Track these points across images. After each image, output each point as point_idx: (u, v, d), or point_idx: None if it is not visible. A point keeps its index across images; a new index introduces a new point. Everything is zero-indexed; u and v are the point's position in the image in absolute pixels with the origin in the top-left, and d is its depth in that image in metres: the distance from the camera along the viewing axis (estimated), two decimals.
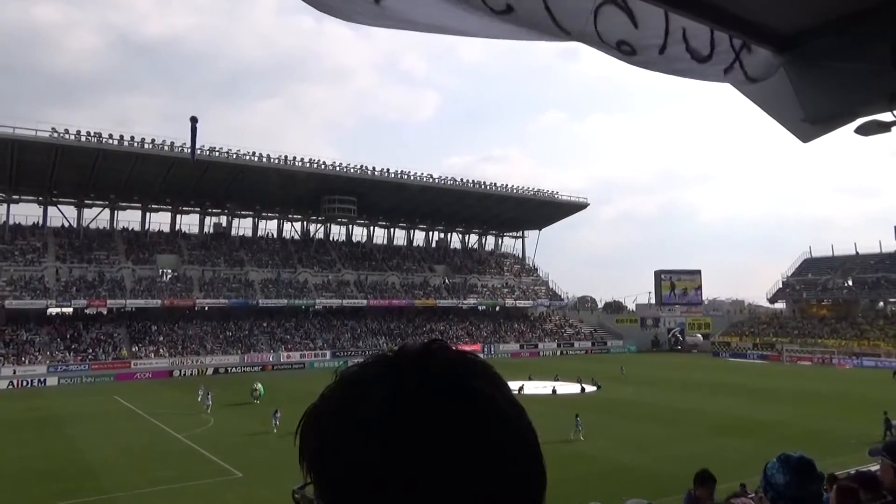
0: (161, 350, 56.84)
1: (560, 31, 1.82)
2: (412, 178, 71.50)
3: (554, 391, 42.28)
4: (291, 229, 78.07)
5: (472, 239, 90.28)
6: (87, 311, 58.06)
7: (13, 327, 54.01)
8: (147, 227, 69.02)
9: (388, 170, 70.19)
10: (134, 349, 56.30)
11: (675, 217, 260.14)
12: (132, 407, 37.49)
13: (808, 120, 3.00)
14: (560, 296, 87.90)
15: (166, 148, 58.79)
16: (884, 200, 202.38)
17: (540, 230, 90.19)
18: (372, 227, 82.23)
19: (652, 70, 2.22)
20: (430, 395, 0.65)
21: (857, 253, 78.97)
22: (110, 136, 56.58)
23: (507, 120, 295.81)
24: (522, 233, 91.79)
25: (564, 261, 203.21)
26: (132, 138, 57.67)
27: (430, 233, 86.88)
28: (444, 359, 0.70)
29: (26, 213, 64.49)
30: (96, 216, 66.57)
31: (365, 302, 70.15)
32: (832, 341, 67.55)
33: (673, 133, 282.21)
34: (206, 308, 62.80)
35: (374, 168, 69.46)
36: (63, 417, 33.97)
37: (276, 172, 64.60)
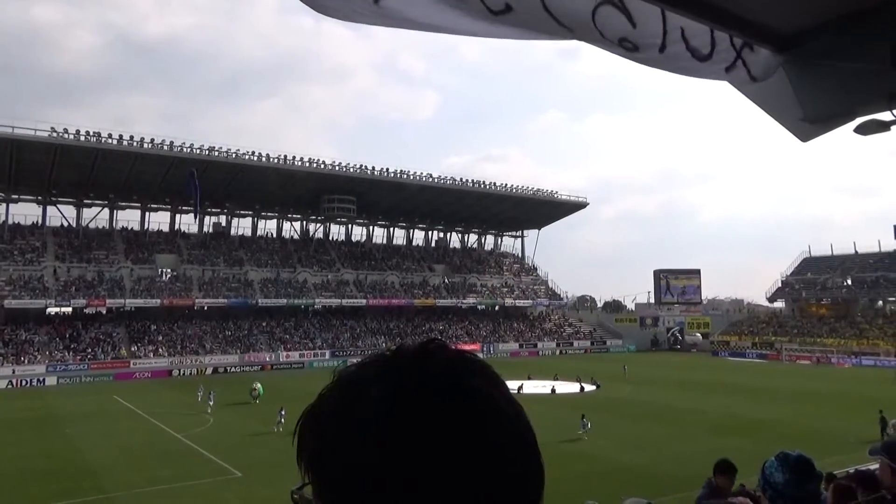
0: (160, 350, 56.83)
1: (563, 28, 1.82)
2: (411, 177, 71.50)
3: (553, 390, 42.28)
4: (291, 229, 78.18)
5: (472, 238, 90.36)
6: (87, 310, 58.03)
7: (12, 327, 53.97)
8: (146, 226, 69.03)
9: (387, 169, 70.26)
10: (133, 349, 56.28)
11: (675, 217, 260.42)
12: (131, 406, 37.47)
13: (808, 119, 3.00)
14: (559, 295, 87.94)
15: (165, 148, 58.80)
16: (883, 200, 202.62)
17: (539, 230, 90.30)
18: (371, 227, 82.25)
19: (654, 67, 2.22)
20: (428, 394, 0.65)
21: (856, 252, 79.05)
22: (109, 135, 56.61)
23: (506, 119, 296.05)
24: (522, 232, 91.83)
25: (564, 260, 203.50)
26: (131, 138, 57.74)
27: (430, 232, 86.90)
28: (443, 358, 0.70)
29: (25, 212, 64.63)
30: (95, 216, 66.65)
31: (364, 301, 70.16)
32: (831, 340, 67.60)
33: (673, 133, 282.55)
34: (206, 308, 62.78)
35: (373, 168, 69.54)
36: (62, 417, 33.95)
37: (276, 172, 64.60)
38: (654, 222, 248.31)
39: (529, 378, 45.78)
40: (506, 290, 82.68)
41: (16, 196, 62.37)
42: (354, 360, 0.72)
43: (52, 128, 54.16)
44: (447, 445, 0.62)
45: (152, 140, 58.43)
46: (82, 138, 55.28)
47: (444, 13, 1.63)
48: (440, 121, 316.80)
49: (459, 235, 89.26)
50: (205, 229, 71.98)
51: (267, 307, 65.01)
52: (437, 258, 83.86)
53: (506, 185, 78.43)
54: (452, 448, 0.62)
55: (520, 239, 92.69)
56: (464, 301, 77.06)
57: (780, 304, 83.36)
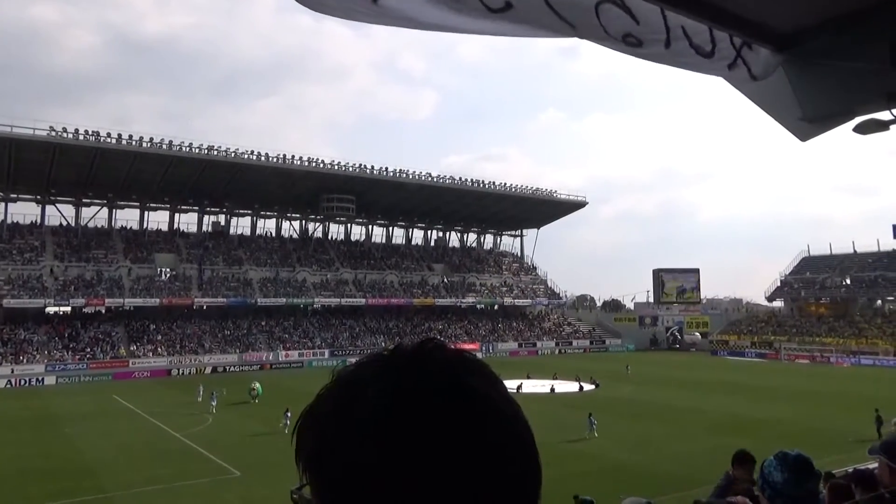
0: (159, 349, 56.80)
1: (565, 25, 1.82)
2: (411, 176, 71.47)
3: (552, 390, 42.31)
4: (290, 228, 78.15)
5: (471, 238, 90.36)
6: (86, 310, 57.99)
7: (11, 326, 53.92)
8: (145, 225, 68.98)
9: (386, 168, 70.21)
10: (132, 348, 56.25)
11: (674, 216, 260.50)
12: (130, 406, 37.45)
13: (807, 119, 3.00)
14: (559, 294, 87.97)
15: (164, 147, 58.73)
16: (882, 199, 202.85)
17: (538, 229, 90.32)
18: (370, 226, 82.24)
19: (658, 62, 2.23)
20: (427, 394, 0.65)
21: (855, 252, 79.13)
22: (108, 134, 56.52)
23: (505, 119, 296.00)
24: (521, 231, 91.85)
25: (563, 260, 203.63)
26: (130, 137, 57.64)
27: (429, 231, 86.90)
28: (441, 358, 0.70)
29: (24, 211, 64.61)
30: (94, 215, 66.64)
31: (363, 301, 70.15)
32: (830, 340, 67.66)
33: (672, 132, 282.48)
34: (205, 307, 62.78)
35: (372, 167, 69.48)
36: (61, 416, 33.92)
37: (275, 171, 64.57)
38: (653, 222, 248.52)
39: (528, 377, 45.80)
40: (505, 289, 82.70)
41: (14, 195, 62.29)
42: (353, 360, 0.72)
43: (50, 127, 54.12)
44: (446, 445, 0.62)
45: (151, 139, 58.40)
46: (81, 137, 55.20)
47: (443, 12, 1.63)
48: (439, 120, 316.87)
49: (458, 235, 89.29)
50: (204, 229, 71.95)
51: (266, 306, 65.00)
52: (436, 257, 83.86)
53: (505, 184, 78.48)
54: (451, 448, 0.62)
55: (519, 238, 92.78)
56: (463, 300, 77.07)
57: (778, 303, 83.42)
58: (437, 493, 0.61)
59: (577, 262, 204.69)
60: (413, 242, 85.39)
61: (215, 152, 60.74)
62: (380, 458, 0.61)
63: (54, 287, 56.96)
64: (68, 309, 57.63)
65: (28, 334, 54.13)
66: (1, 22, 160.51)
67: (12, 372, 48.88)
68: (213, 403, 34.72)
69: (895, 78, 2.59)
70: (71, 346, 54.35)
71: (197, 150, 59.90)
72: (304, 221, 78.18)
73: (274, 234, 76.60)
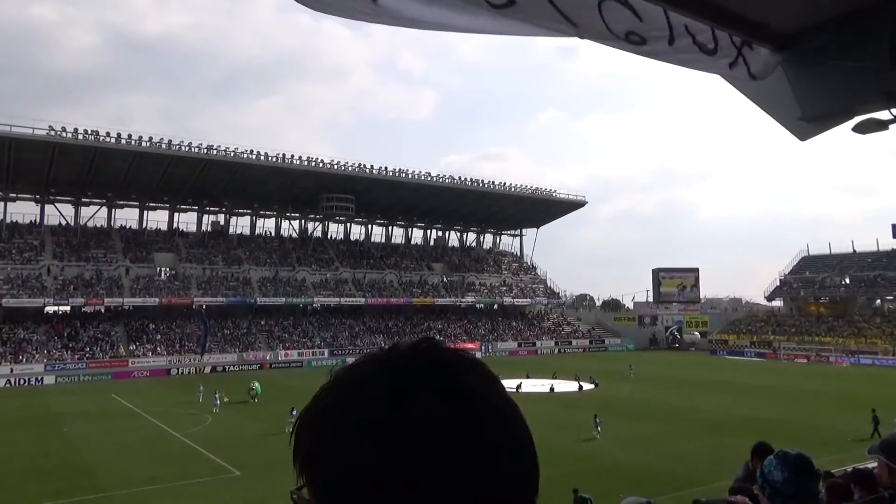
0: (158, 348, 56.80)
1: (567, 22, 1.81)
2: (410, 176, 71.45)
3: (552, 389, 42.32)
4: (289, 228, 78.12)
5: (471, 237, 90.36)
6: (85, 309, 57.98)
7: (10, 326, 53.90)
8: (145, 225, 68.95)
9: (386, 168, 70.20)
10: (131, 347, 56.24)
11: (674, 215, 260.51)
12: (130, 405, 37.44)
13: (806, 118, 3.01)
14: (558, 294, 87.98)
15: (164, 146, 58.70)
16: (881, 199, 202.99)
17: (538, 228, 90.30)
18: (370, 226, 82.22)
19: (661, 60, 2.22)
20: (425, 394, 0.65)
21: (854, 251, 79.16)
22: (108, 134, 56.48)
23: (505, 118, 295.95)
24: (520, 231, 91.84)
25: (563, 259, 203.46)
26: (130, 137, 57.59)
27: (428, 231, 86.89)
28: (438, 357, 0.69)
29: (23, 211, 64.45)
30: (94, 214, 66.63)
31: (363, 300, 70.15)
32: (829, 339, 67.70)
33: (671, 131, 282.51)
34: (204, 306, 62.76)
35: (371, 166, 69.47)
36: (60, 416, 33.90)
37: (274, 171, 64.56)
38: (652, 221, 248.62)
39: (528, 377, 45.80)
40: (504, 288, 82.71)
41: (14, 195, 62.26)
42: (352, 360, 0.72)
43: (50, 126, 54.10)
44: (445, 445, 0.62)
45: (150, 139, 58.35)
46: (80, 137, 55.18)
47: (443, 10, 1.63)
48: (439, 119, 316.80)
49: (458, 234, 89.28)
50: (203, 228, 71.93)
51: (265, 306, 64.99)
52: (435, 257, 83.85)
53: (504, 183, 78.51)
54: (450, 448, 0.62)
55: (518, 238, 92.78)
56: (462, 300, 77.08)
57: (778, 302, 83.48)
58: (435, 493, 0.61)
59: (577, 261, 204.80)
60: (412, 242, 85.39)
61: (215, 152, 60.71)
62: (378, 458, 0.61)
63: (53, 286, 56.94)
64: (67, 308, 57.62)
65: (27, 334, 54.11)
66: (0, 22, 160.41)
67: (12, 371, 48.86)
68: (217, 403, 34.66)
69: (894, 77, 2.59)
70: (70, 345, 54.33)
71: (196, 150, 59.88)
72: (303, 221, 78.16)
73: (273, 234, 76.58)
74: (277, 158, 63.91)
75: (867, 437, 23.52)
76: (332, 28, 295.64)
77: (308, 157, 66.00)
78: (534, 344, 75.35)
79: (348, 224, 79.89)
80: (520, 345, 74.09)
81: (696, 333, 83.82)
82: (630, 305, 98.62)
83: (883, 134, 2.99)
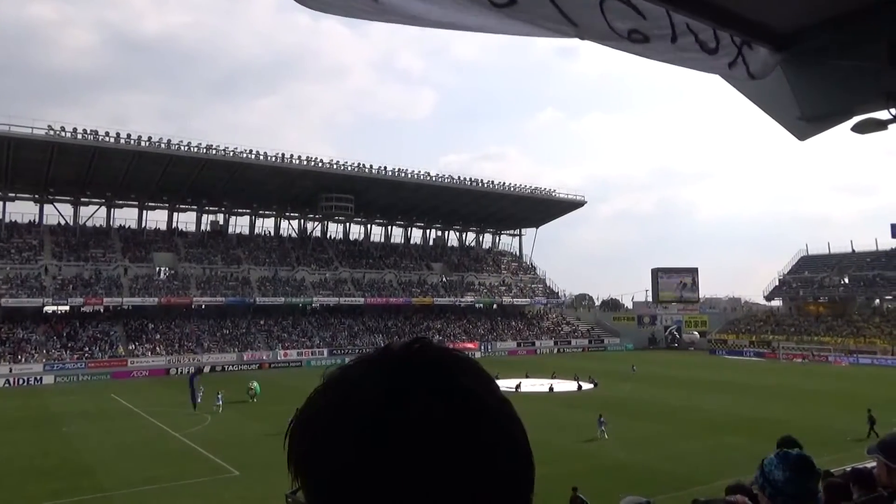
0: (158, 348, 56.77)
1: (567, 22, 1.81)
2: (409, 176, 71.47)
3: (551, 389, 42.33)
4: (289, 227, 78.11)
5: (470, 237, 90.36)
6: (84, 309, 57.94)
7: (9, 325, 53.87)
8: (144, 225, 68.91)
9: (385, 168, 70.21)
10: (130, 347, 56.22)
11: (673, 215, 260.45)
12: (129, 405, 37.42)
13: (805, 118, 3.01)
14: (557, 294, 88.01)
15: (163, 146, 58.70)
16: (880, 198, 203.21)
17: (537, 228, 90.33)
18: (369, 225, 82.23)
19: (662, 60, 2.23)
20: (422, 393, 0.65)
21: (853, 251, 79.22)
22: (107, 133, 56.46)
23: (504, 118, 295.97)
24: (520, 231, 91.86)
25: (562, 259, 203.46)
26: (129, 136, 57.55)
27: (428, 231, 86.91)
28: (432, 357, 0.69)
29: (22, 210, 64.29)
30: (93, 214, 66.57)
31: (362, 300, 70.14)
32: (828, 339, 67.76)
33: (670, 131, 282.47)
34: (203, 306, 62.77)
35: (371, 166, 69.49)
36: (59, 416, 33.88)
37: (274, 170, 64.55)
38: (651, 221, 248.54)
39: (527, 376, 45.81)
40: (503, 288, 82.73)
41: (13, 194, 62.23)
42: (349, 360, 0.72)
43: (49, 126, 54.08)
44: (443, 445, 0.62)
45: (150, 138, 58.34)
46: (79, 137, 55.15)
47: (444, 8, 1.63)
48: (438, 119, 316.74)
49: (457, 234, 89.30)
50: (202, 228, 71.91)
51: (265, 306, 64.98)
52: (434, 257, 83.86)
53: (504, 183, 78.53)
54: (448, 447, 0.62)
55: (518, 237, 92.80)
56: (462, 300, 77.09)
57: (777, 302, 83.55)
58: (434, 493, 0.61)
59: (576, 261, 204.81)
60: (412, 242, 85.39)
61: (214, 151, 60.71)
62: (377, 458, 0.61)
63: (52, 286, 56.91)
64: (66, 308, 57.58)
65: (26, 333, 54.08)
66: None
67: (11, 371, 48.84)
68: (219, 403, 34.64)
69: (893, 77, 2.59)
70: (69, 345, 54.31)
71: (195, 150, 59.87)
72: (302, 221, 78.15)
73: (272, 234, 76.57)
74: (277, 158, 63.90)
75: (865, 437, 23.57)
76: (331, 27, 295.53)
77: (307, 157, 66.07)
78: (533, 344, 75.38)
79: (347, 224, 79.89)
80: (519, 344, 74.11)
81: (696, 333, 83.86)
82: (629, 305, 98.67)
83: (882, 134, 2.99)
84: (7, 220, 62.23)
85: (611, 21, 1.90)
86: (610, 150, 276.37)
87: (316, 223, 78.42)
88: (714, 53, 2.29)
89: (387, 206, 77.86)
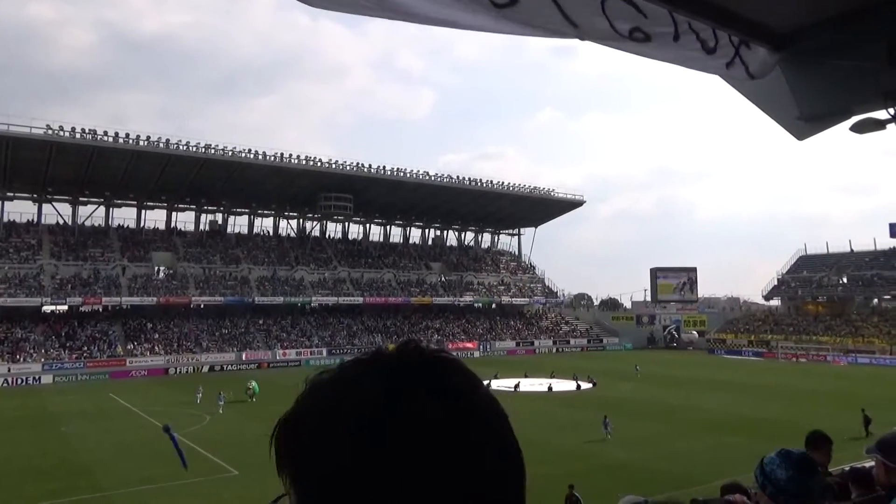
0: (156, 348, 56.73)
1: (567, 23, 1.81)
2: (408, 175, 71.48)
3: (550, 388, 42.34)
4: (287, 227, 78.09)
5: (469, 236, 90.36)
6: (82, 308, 57.87)
7: (8, 325, 53.81)
8: (142, 224, 68.86)
9: (384, 167, 70.22)
10: (129, 347, 56.15)
11: (672, 215, 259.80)
12: (127, 405, 37.40)
13: (804, 118, 3.01)
14: (556, 293, 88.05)
15: (162, 145, 58.66)
16: (879, 198, 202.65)
17: (536, 228, 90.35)
18: (368, 225, 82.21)
19: (662, 59, 2.23)
20: (420, 393, 0.65)
21: (851, 250, 79.29)
22: (105, 133, 56.41)
23: (503, 118, 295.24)
24: (518, 230, 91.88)
25: (561, 258, 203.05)
26: (127, 136, 57.50)
27: (427, 230, 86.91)
28: (426, 358, 0.70)
29: (21, 210, 64.17)
30: (91, 213, 66.50)
31: (361, 299, 70.12)
32: (827, 338, 67.82)
33: (669, 131, 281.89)
34: (202, 306, 62.71)
35: (370, 165, 69.51)
36: (58, 415, 33.86)
37: (273, 170, 64.53)
38: (650, 220, 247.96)
39: (526, 376, 45.83)
40: (502, 288, 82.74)
41: (11, 194, 62.19)
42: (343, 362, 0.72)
43: (47, 125, 54.01)
44: (440, 444, 0.62)
45: (148, 138, 58.33)
46: (78, 136, 55.11)
47: (445, 6, 1.63)
48: (437, 119, 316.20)
49: (456, 233, 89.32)
50: (201, 227, 71.87)
51: (263, 305, 64.95)
52: (433, 256, 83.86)
53: (502, 182, 78.57)
54: (445, 447, 0.63)
55: (516, 237, 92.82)
56: (461, 299, 77.09)
57: (776, 302, 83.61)
58: (429, 492, 0.61)
59: (575, 260, 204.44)
60: (411, 241, 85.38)
61: (213, 151, 60.68)
62: (374, 458, 0.61)
63: (51, 286, 56.85)
64: (65, 308, 57.49)
65: (25, 333, 54.02)
66: None
67: (9, 371, 48.78)
68: (221, 403, 34.60)
69: (892, 77, 2.59)
70: (68, 344, 54.26)
71: (194, 149, 59.85)
72: (301, 220, 78.14)
73: (271, 233, 76.52)
74: (276, 158, 63.89)
75: (863, 437, 23.59)
76: (331, 27, 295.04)
77: (306, 157, 66.11)
78: (532, 343, 75.40)
79: (346, 223, 79.86)
80: (518, 344, 74.13)
81: (694, 333, 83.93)
82: (628, 305, 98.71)
83: (880, 133, 2.99)
84: (5, 219, 62.17)
85: (612, 20, 1.90)
86: (609, 150, 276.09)
87: (315, 223, 78.43)
88: (713, 53, 2.29)
89: (386, 205, 77.85)
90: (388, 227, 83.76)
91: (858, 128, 3.01)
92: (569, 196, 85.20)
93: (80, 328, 56.64)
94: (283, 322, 65.46)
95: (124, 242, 65.67)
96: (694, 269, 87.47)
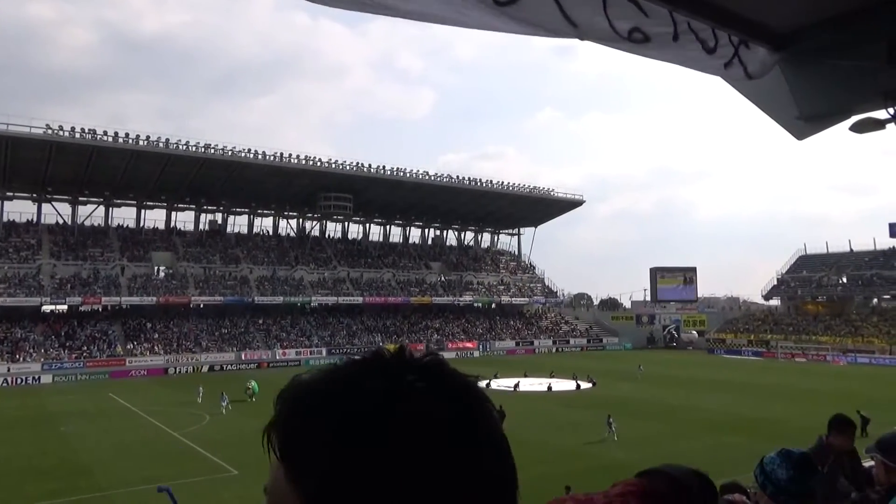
0: (156, 348, 56.71)
1: (567, 23, 1.81)
2: (408, 175, 71.48)
3: (549, 388, 42.35)
4: (287, 226, 78.07)
5: (468, 236, 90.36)
6: (82, 308, 57.83)
7: (7, 325, 53.79)
8: (142, 224, 68.85)
9: (383, 167, 70.23)
10: (129, 347, 56.14)
11: (671, 214, 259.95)
12: (127, 404, 37.41)
13: (803, 117, 3.01)
14: (556, 293, 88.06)
15: (161, 145, 58.65)
16: (878, 198, 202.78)
17: (536, 227, 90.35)
18: (368, 225, 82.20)
19: (661, 59, 2.23)
20: (420, 394, 0.65)
21: (851, 250, 79.32)
22: (105, 132, 56.41)
23: (502, 117, 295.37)
24: (518, 230, 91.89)
25: (560, 258, 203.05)
26: (127, 135, 57.48)
27: (426, 230, 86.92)
28: (424, 360, 0.70)
29: (20, 210, 64.18)
30: (91, 213, 66.46)
31: (361, 299, 70.11)
32: (826, 338, 67.84)
33: (668, 131, 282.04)
34: (202, 305, 62.69)
35: (369, 165, 69.51)
36: (57, 415, 33.86)
37: (272, 170, 64.52)
38: (650, 220, 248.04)
39: (525, 376, 45.84)
40: (502, 287, 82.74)
41: (10, 193, 62.18)
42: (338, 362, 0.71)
43: (47, 125, 53.98)
44: (439, 445, 0.63)
45: (148, 137, 58.35)
46: (77, 136, 55.10)
47: (445, 4, 1.63)
48: (437, 119, 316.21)
49: (456, 233, 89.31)
50: (201, 227, 71.86)
51: (263, 305, 64.93)
52: (433, 256, 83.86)
53: (502, 182, 78.56)
54: (444, 447, 0.63)
55: (516, 237, 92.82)
56: (460, 299, 77.09)
57: (775, 301, 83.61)
58: (427, 493, 0.62)
59: (575, 260, 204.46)
60: (410, 241, 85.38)
61: (212, 150, 60.66)
62: (374, 457, 0.61)
63: (50, 285, 56.84)
64: (65, 307, 57.46)
65: (24, 333, 54.01)
66: None
67: (9, 370, 48.74)
68: (224, 404, 34.59)
69: (892, 76, 2.59)
70: (67, 344, 54.24)
71: (194, 149, 59.84)
72: (301, 220, 78.13)
73: (271, 233, 76.50)
74: (275, 157, 63.89)
75: (858, 437, 23.58)
76: (330, 26, 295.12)
77: (306, 157, 66.10)
78: (532, 343, 75.40)
79: (346, 223, 79.85)
80: (518, 344, 74.13)
81: (694, 332, 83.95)
82: (628, 304, 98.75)
83: (880, 133, 2.99)
84: (5, 219, 62.14)
85: (613, 20, 1.90)
86: (609, 150, 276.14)
87: (314, 222, 78.41)
88: (713, 53, 2.29)
89: (385, 205, 77.85)
90: (387, 226, 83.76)
91: (858, 127, 3.01)
92: (568, 196, 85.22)
93: (79, 328, 56.63)
94: (282, 322, 65.45)
95: (124, 242, 65.65)
96: (693, 269, 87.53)
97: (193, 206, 70.76)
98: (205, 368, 55.18)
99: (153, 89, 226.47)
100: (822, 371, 54.67)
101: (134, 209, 68.53)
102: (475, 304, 78.73)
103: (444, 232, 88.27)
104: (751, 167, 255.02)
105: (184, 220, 71.42)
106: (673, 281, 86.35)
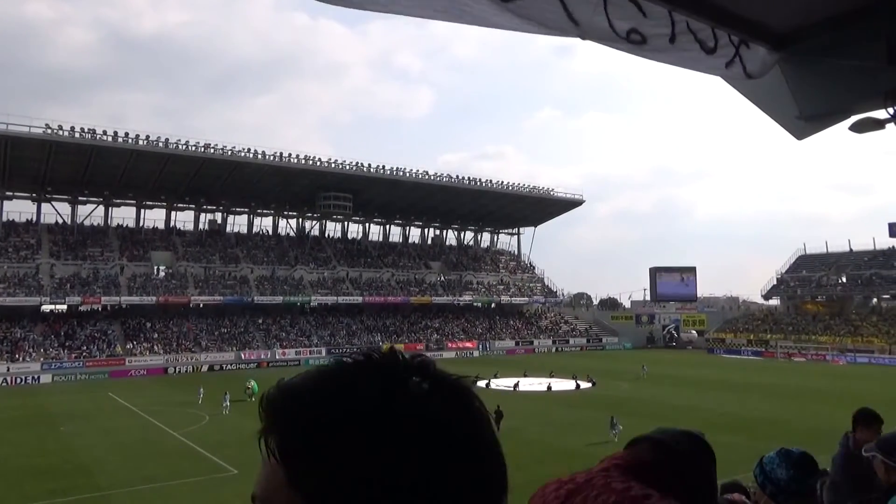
0: (156, 347, 56.71)
1: (569, 21, 1.82)
2: (407, 174, 71.48)
3: (549, 388, 42.36)
4: (287, 226, 78.08)
5: (468, 236, 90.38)
6: (82, 308, 57.83)
7: (7, 324, 53.77)
8: (142, 223, 68.83)
9: (383, 167, 70.20)
10: (128, 346, 56.14)
11: (671, 214, 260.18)
12: (127, 404, 37.40)
13: (803, 117, 3.01)
14: (555, 293, 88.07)
15: (161, 144, 58.63)
16: (878, 197, 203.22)
17: (535, 227, 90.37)
18: (367, 224, 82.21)
19: (659, 60, 2.23)
20: (420, 390, 0.66)
21: (850, 250, 79.35)
22: (104, 132, 56.39)
23: (502, 117, 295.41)
24: (518, 230, 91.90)
25: (560, 258, 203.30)
26: (126, 135, 57.46)
27: (426, 230, 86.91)
28: (421, 360, 0.71)
29: (20, 209, 64.19)
30: (90, 213, 66.46)
31: (360, 299, 70.12)
32: (826, 338, 67.88)
33: (668, 130, 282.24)
34: (201, 305, 62.69)
35: (369, 165, 69.49)
36: (57, 415, 33.86)
37: (272, 169, 64.51)
38: (649, 220, 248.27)
39: (525, 375, 45.85)
40: (502, 287, 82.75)
41: (10, 193, 62.16)
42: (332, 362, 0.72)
43: (46, 125, 53.98)
44: (438, 444, 0.64)
45: (147, 137, 58.32)
46: (77, 135, 55.07)
47: (449, 1, 1.63)
48: (436, 118, 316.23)
49: (455, 233, 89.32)
50: (200, 227, 71.86)
51: (263, 305, 64.93)
52: (433, 255, 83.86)
53: (502, 182, 78.55)
54: (442, 447, 0.64)
55: (516, 236, 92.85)
56: (460, 298, 77.10)
57: (775, 301, 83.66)
58: (424, 493, 0.62)
59: (574, 260, 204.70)
60: (410, 240, 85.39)
61: (212, 150, 60.66)
62: (374, 456, 0.61)
63: (50, 285, 56.82)
64: (64, 307, 57.47)
65: (24, 332, 54.00)
66: None
67: (8, 370, 48.72)
68: (226, 404, 34.58)
69: (892, 76, 2.59)
70: (67, 344, 54.24)
71: (193, 148, 59.83)
72: (300, 219, 78.13)
73: (271, 232, 76.50)
74: (275, 157, 63.88)
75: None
76: (329, 26, 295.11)
77: (306, 156, 66.08)
78: (531, 343, 75.43)
79: (346, 223, 79.86)
80: (517, 343, 74.15)
81: (693, 332, 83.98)
82: (627, 304, 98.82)
83: (880, 133, 2.99)
84: (4, 218, 62.11)
85: (613, 20, 1.90)
86: (608, 150, 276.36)
87: (314, 222, 78.41)
88: (712, 53, 2.29)
89: (385, 204, 77.86)
90: (387, 226, 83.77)
91: (858, 127, 3.01)
92: (568, 195, 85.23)
93: (79, 327, 56.62)
94: (282, 321, 65.45)
95: (123, 242, 65.64)
96: (693, 269, 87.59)
97: (193, 206, 70.74)
98: (204, 368, 55.19)
99: (152, 89, 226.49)
100: (821, 371, 54.70)
101: (133, 209, 68.61)
102: (475, 304, 78.75)
103: (444, 232, 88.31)
104: (750, 167, 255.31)
105: (183, 219, 71.55)
106: (672, 280, 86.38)
